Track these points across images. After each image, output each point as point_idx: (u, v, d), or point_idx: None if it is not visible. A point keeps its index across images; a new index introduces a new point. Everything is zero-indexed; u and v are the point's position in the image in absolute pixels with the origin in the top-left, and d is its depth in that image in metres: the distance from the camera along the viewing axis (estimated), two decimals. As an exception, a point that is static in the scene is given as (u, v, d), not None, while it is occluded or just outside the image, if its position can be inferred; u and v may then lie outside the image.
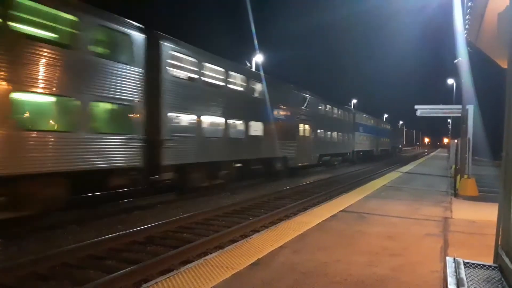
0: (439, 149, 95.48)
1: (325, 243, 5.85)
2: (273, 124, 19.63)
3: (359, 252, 5.42)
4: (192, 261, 6.17)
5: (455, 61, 12.57)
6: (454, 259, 3.40)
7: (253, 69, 24.45)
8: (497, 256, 3.63)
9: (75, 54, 9.67)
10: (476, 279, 3.07)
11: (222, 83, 15.85)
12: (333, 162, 30.89)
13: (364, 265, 4.85)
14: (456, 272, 3.12)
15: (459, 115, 14.63)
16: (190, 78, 13.86)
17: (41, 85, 8.79)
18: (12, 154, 8.25)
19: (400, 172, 21.59)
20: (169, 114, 12.70)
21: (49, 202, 9.21)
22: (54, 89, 9.08)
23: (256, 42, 27.54)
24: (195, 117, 13.96)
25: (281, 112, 21.15)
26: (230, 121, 16.09)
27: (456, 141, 17.01)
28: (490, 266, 3.37)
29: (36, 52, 8.71)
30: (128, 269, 6.07)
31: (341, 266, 4.80)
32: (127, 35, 11.27)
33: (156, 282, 4.14)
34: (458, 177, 12.77)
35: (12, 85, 8.18)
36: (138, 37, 11.61)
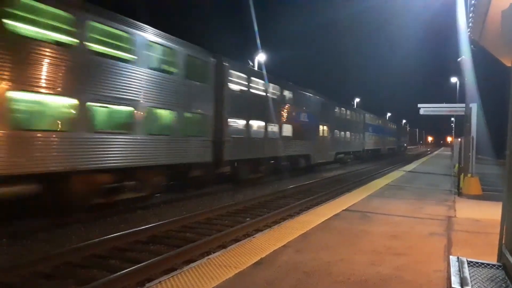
0: (442, 148, 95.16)
1: (328, 243, 5.84)
2: (299, 126, 22.66)
3: (362, 251, 5.41)
4: (195, 260, 6.17)
5: (459, 59, 12.51)
6: (458, 258, 3.38)
7: (256, 68, 24.56)
8: (501, 255, 3.61)
9: (177, 79, 13.17)
10: (480, 278, 3.06)
11: (263, 93, 19.10)
12: (346, 159, 33.48)
13: (368, 264, 4.84)
14: (459, 271, 3.11)
15: (463, 113, 14.56)
16: (241, 91, 17.12)
17: (166, 103, 12.62)
18: (143, 152, 11.60)
19: (404, 171, 21.54)
20: (228, 120, 15.82)
21: (157, 186, 12.47)
22: (168, 105, 12.74)
23: (258, 41, 27.56)
24: (244, 121, 17.18)
25: (305, 116, 23.97)
26: (269, 124, 19.15)
27: (459, 139, 16.95)
28: (494, 265, 3.35)
29: (162, 80, 12.45)
30: (131, 268, 6.09)
31: (345, 265, 4.79)
32: (207, 62, 14.81)
33: (160, 282, 4.15)
34: (462, 176, 12.72)
35: (154, 105, 12.10)
36: (212, 62, 15.07)
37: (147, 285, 4.16)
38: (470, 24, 6.60)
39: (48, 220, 9.27)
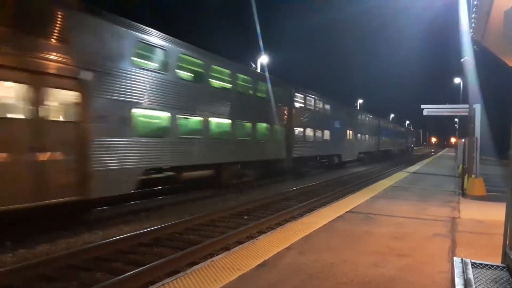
0: (446, 149, 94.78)
1: (331, 244, 5.83)
2: (334, 132, 29.07)
3: (366, 253, 5.39)
4: (199, 262, 6.17)
5: (462, 60, 12.47)
6: (462, 259, 3.37)
7: (258, 70, 24.76)
8: (505, 256, 3.59)
9: (279, 106, 20.27)
10: (483, 279, 3.04)
11: (313, 108, 25.73)
12: (365, 158, 39.66)
13: (371, 266, 4.83)
14: (463, 272, 3.09)
15: (466, 114, 14.51)
16: (300, 107, 23.39)
17: (266, 120, 18.94)
18: (256, 151, 17.81)
19: (407, 172, 21.47)
20: (295, 129, 22.26)
21: (259, 174, 18.68)
22: (266, 121, 18.96)
23: (261, 43, 27.59)
24: (302, 129, 23.53)
25: (338, 123, 30.35)
26: (317, 131, 25.80)
27: (463, 140, 16.88)
28: (498, 266, 3.33)
29: (278, 108, 19.88)
30: (135, 271, 6.09)
31: (348, 266, 4.78)
32: (289, 91, 21.92)
33: (163, 284, 4.15)
34: (466, 176, 12.67)
35: (261, 121, 18.57)
36: (290, 89, 22.13)
37: (151, 287, 4.16)
38: (473, 25, 6.58)
39: (50, 223, 9.29)
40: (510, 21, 5.13)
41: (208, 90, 14.55)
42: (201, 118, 13.87)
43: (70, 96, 8.95)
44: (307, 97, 24.76)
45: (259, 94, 18.63)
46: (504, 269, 3.27)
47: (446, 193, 12.44)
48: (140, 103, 11.00)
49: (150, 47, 11.76)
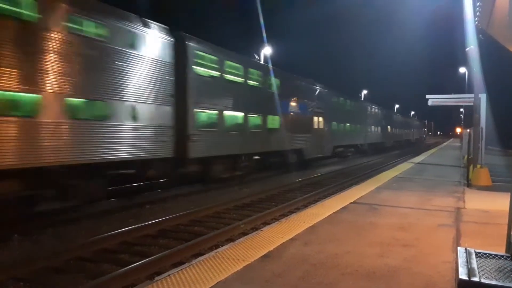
0: (451, 139, 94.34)
1: (336, 235, 5.85)
2: (382, 127, 44.64)
3: (370, 244, 5.41)
4: (204, 253, 6.22)
5: (467, 49, 12.35)
6: (466, 249, 3.37)
7: (262, 61, 24.63)
8: (509, 246, 3.59)
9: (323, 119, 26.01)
10: (487, 269, 3.04)
11: (358, 109, 36.55)
12: (395, 144, 53.60)
13: (376, 256, 4.84)
14: (467, 262, 3.09)
15: (471, 104, 14.41)
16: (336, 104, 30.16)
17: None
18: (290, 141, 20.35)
19: (412, 162, 21.41)
20: (332, 123, 27.81)
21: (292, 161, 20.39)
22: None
23: (264, 33, 27.43)
24: (342, 124, 30.74)
25: (383, 121, 45.51)
26: (355, 124, 34.36)
27: (468, 130, 16.78)
28: (502, 256, 3.33)
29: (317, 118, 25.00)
30: (141, 262, 6.16)
31: (352, 257, 4.80)
32: (326, 92, 27.22)
33: (169, 275, 4.19)
34: (471, 167, 12.62)
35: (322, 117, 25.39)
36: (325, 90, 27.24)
37: (157, 278, 4.20)
38: (478, 13, 6.52)
39: (57, 216, 9.38)
40: (515, 9, 5.07)
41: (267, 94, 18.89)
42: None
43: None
44: (348, 101, 33.91)
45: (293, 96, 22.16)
46: (508, 259, 3.27)
47: (451, 184, 12.41)
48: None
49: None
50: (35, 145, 8.50)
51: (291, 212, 9.89)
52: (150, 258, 6.38)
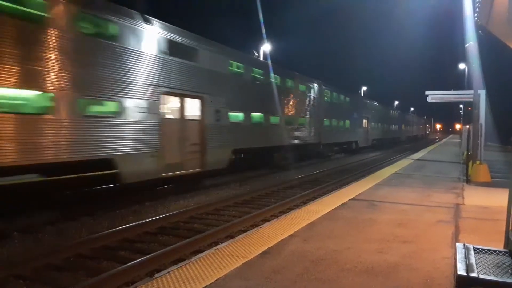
0: (451, 135, 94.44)
1: (335, 231, 5.86)
2: (401, 125, 61.13)
3: (369, 240, 5.42)
4: (203, 250, 6.23)
5: (466, 45, 12.33)
6: (464, 245, 3.38)
7: (261, 58, 24.63)
8: (508, 242, 3.60)
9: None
10: (486, 264, 3.06)
11: (389, 113, 52.12)
12: (402, 139, 62.82)
13: (375, 253, 4.86)
14: (466, 258, 3.11)
15: (471, 100, 14.39)
16: (376, 109, 43.95)
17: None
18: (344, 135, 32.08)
19: (411, 159, 21.42)
20: (372, 124, 39.52)
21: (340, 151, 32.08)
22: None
23: (263, 30, 27.42)
24: (380, 124, 44.10)
25: (399, 120, 59.44)
26: (390, 125, 51.05)
27: (467, 126, 16.78)
28: (500, 252, 3.35)
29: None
30: (141, 259, 6.17)
31: (351, 253, 4.81)
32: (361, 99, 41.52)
33: (168, 272, 4.20)
34: (470, 163, 12.63)
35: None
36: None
37: (156, 275, 4.22)
38: (477, 9, 6.51)
39: (57, 213, 9.39)
40: (515, 5, 5.06)
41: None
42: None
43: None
44: (373, 104, 42.45)
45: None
46: (507, 254, 3.29)
47: (450, 180, 12.43)
48: None
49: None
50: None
51: (291, 209, 9.91)
52: (150, 255, 6.40)
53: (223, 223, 8.86)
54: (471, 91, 13.91)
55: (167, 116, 12.14)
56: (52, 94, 8.71)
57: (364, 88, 61.23)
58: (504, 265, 3.04)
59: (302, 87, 23.17)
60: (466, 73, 30.74)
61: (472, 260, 3.05)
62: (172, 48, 12.22)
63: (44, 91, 8.63)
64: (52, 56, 8.72)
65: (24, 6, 8.42)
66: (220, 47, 15.33)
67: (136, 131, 10.81)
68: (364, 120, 36.74)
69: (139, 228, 8.32)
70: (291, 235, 5.65)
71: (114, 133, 10.16)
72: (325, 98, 27.09)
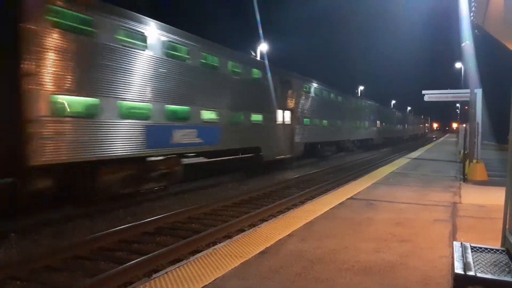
0: (448, 134, 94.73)
1: (332, 231, 5.87)
2: (407, 125, 69.84)
3: (367, 239, 5.43)
4: (201, 250, 6.24)
5: (462, 44, 12.37)
6: (461, 243, 3.40)
7: (258, 58, 24.67)
8: (504, 240, 3.62)
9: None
10: (483, 263, 3.07)
11: (395, 116, 59.76)
12: (405, 138, 68.42)
13: (372, 252, 4.87)
14: (463, 256, 3.12)
15: (467, 99, 14.44)
16: (388, 114, 53.83)
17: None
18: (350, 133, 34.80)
19: (409, 158, 21.47)
20: (382, 123, 46.74)
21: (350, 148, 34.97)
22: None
23: (260, 30, 27.38)
24: (389, 125, 52.56)
25: (404, 120, 66.50)
26: (398, 125, 60.43)
27: (464, 125, 16.83)
28: (497, 250, 3.36)
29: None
30: (138, 259, 6.17)
31: (349, 253, 4.82)
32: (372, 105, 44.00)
33: (166, 272, 4.20)
34: (467, 162, 12.67)
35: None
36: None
37: (154, 275, 4.21)
38: (473, 9, 6.52)
39: (54, 215, 9.37)
40: (510, 4, 5.08)
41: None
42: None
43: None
44: (383, 109, 48.75)
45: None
46: (504, 253, 3.30)
47: (447, 179, 12.46)
48: None
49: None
50: None
51: (289, 209, 9.92)
52: (148, 255, 6.39)
53: (221, 223, 8.86)
54: (468, 90, 13.97)
55: (278, 122, 19.45)
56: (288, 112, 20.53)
57: (361, 88, 60.98)
58: (501, 263, 3.06)
59: (360, 103, 38.01)
60: (463, 72, 30.83)
61: (469, 258, 3.07)
62: (292, 86, 21.16)
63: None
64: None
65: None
66: (307, 79, 24.26)
67: (267, 131, 18.25)
68: (377, 121, 44.37)
69: (137, 229, 8.31)
70: (289, 234, 5.66)
71: (260, 132, 17.64)
72: (364, 107, 39.01)
